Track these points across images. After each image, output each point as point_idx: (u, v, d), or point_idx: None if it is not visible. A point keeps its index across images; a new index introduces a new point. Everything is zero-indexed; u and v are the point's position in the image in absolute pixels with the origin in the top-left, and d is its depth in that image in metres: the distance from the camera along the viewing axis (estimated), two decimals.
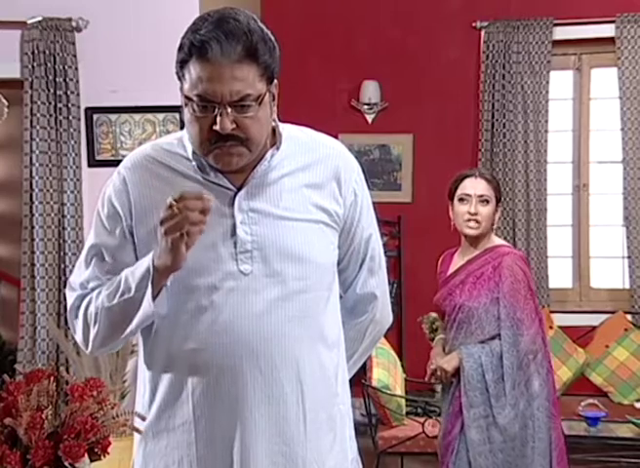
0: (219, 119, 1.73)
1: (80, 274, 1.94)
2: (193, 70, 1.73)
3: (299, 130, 1.96)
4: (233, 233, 1.83)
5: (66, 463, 1.57)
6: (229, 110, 1.73)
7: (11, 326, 5.60)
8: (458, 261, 3.53)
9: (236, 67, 1.71)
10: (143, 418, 1.82)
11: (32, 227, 4.54)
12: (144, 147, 1.95)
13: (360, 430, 5.58)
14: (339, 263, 1.98)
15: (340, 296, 2.02)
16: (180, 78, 1.78)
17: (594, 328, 5.53)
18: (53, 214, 4.55)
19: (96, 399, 1.62)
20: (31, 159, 4.55)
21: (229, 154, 1.78)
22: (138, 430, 1.73)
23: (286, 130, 1.91)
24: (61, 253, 4.56)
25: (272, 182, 1.87)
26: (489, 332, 3.37)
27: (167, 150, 1.90)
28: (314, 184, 1.91)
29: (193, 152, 1.86)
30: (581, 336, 5.50)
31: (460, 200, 3.43)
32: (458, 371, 3.41)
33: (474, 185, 3.43)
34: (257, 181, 1.86)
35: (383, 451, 4.54)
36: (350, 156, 2.01)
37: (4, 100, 5.72)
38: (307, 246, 1.87)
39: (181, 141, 1.90)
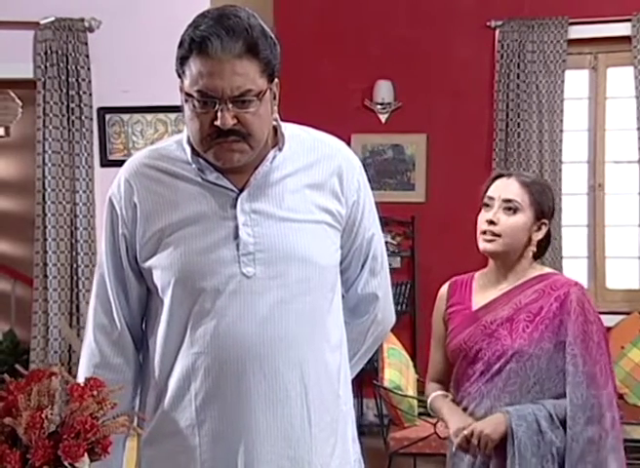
0: (219, 114, 1.73)
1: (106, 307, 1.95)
2: (194, 66, 1.73)
3: (301, 129, 1.95)
4: (236, 235, 1.82)
5: (66, 463, 1.56)
6: (230, 106, 1.73)
7: (26, 325, 5.62)
8: (485, 292, 2.67)
9: (237, 63, 1.71)
10: (143, 419, 1.81)
11: (45, 227, 4.56)
12: (142, 154, 1.94)
13: (373, 431, 5.60)
14: (341, 263, 1.97)
15: (343, 296, 2.00)
16: (181, 75, 1.78)
17: (609, 329, 5.48)
18: (65, 214, 4.56)
19: (95, 399, 1.61)
20: (44, 159, 4.56)
21: (231, 150, 1.78)
22: (138, 431, 1.72)
23: (288, 129, 1.90)
24: (74, 253, 4.57)
25: (274, 183, 1.86)
26: (549, 390, 2.52)
27: (165, 155, 1.90)
28: (316, 184, 1.89)
29: (193, 154, 1.85)
30: None
31: (485, 206, 2.63)
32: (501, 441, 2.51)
33: (502, 187, 2.62)
34: (259, 182, 1.85)
35: (395, 452, 4.52)
36: (352, 155, 2.00)
37: (17, 101, 5.74)
38: (310, 247, 1.85)
39: (180, 145, 1.89)
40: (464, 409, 2.60)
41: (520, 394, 2.52)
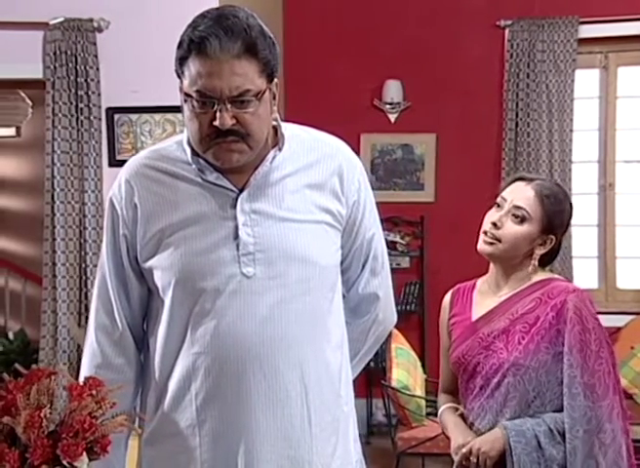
0: (218, 115, 1.73)
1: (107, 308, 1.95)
2: (192, 66, 1.74)
3: (301, 129, 1.95)
4: (236, 235, 1.83)
5: (65, 462, 1.57)
6: (229, 106, 1.73)
7: (37, 324, 5.65)
8: (485, 300, 2.56)
9: (235, 63, 1.71)
10: (143, 418, 1.82)
11: (54, 227, 4.57)
12: (142, 155, 1.95)
13: (382, 430, 5.56)
14: (341, 263, 1.97)
15: (344, 296, 2.00)
16: (180, 75, 1.79)
17: (619, 329, 5.46)
18: (74, 214, 4.57)
19: (94, 398, 1.62)
20: (53, 159, 4.57)
21: (230, 150, 1.78)
22: (136, 430, 1.73)
23: (288, 129, 1.90)
24: (82, 253, 4.58)
25: (274, 183, 1.87)
26: (552, 402, 2.41)
27: (165, 156, 1.90)
28: (316, 184, 1.90)
29: (193, 155, 1.85)
30: None
31: (496, 205, 2.51)
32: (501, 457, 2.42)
33: (517, 191, 2.48)
34: (258, 182, 1.85)
35: (403, 452, 4.52)
36: (353, 155, 2.00)
37: (28, 101, 5.78)
38: (310, 247, 1.86)
39: (181, 145, 1.89)
40: (471, 425, 2.50)
41: (520, 408, 2.41)
